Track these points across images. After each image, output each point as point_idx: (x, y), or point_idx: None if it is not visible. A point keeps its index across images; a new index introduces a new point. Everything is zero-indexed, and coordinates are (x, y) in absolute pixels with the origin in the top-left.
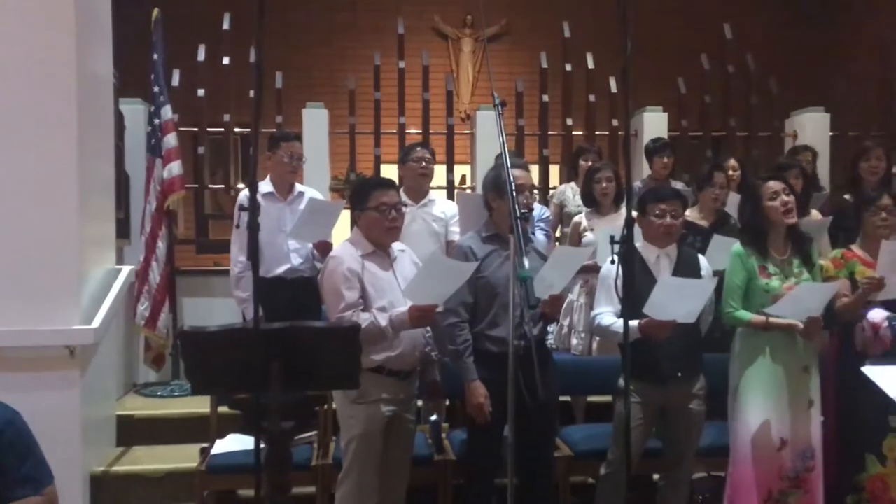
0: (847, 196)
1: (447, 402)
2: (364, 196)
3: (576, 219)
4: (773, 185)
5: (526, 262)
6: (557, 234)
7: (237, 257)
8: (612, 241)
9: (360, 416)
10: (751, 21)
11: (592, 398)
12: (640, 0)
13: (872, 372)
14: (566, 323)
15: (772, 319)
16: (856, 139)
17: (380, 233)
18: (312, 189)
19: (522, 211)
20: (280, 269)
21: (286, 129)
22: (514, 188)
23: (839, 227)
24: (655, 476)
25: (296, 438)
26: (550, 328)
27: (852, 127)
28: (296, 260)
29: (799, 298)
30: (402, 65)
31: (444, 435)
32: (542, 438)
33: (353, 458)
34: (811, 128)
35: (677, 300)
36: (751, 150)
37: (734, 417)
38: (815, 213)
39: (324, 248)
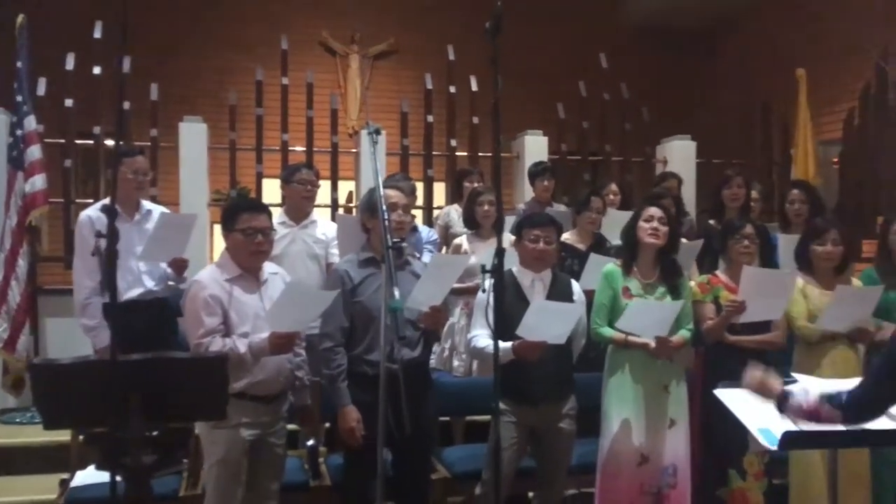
0: (712, 221)
1: (326, 426)
2: (232, 217)
3: (456, 241)
4: (653, 210)
5: (396, 293)
6: None
7: (83, 282)
8: (483, 270)
9: (221, 440)
10: (625, 51)
11: (471, 417)
12: (521, 27)
13: (723, 394)
14: (447, 345)
15: (630, 338)
16: (719, 166)
17: (244, 256)
18: (160, 207)
19: (395, 240)
20: (133, 293)
21: (129, 145)
22: (387, 218)
23: (704, 251)
24: (531, 494)
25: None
26: (435, 348)
27: (716, 154)
28: (149, 282)
29: (637, 315)
30: (285, 81)
31: (321, 460)
32: (417, 460)
33: (215, 483)
34: (679, 154)
35: (548, 322)
36: (625, 174)
37: (601, 433)
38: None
39: (179, 265)
